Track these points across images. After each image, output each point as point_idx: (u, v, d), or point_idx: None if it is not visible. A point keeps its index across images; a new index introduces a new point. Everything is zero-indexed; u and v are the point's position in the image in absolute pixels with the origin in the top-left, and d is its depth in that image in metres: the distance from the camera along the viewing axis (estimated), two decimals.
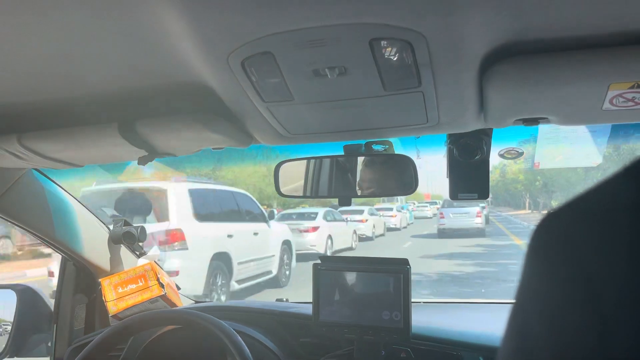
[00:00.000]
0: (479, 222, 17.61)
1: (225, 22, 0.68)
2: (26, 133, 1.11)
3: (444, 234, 17.71)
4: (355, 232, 15.14)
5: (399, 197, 28.94)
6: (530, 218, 26.96)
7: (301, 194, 1.39)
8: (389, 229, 20.81)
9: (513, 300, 0.32)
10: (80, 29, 0.74)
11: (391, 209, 23.22)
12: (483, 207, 19.91)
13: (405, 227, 23.70)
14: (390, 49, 0.75)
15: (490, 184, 1.26)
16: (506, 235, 18.45)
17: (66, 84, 0.94)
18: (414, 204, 34.85)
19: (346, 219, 14.83)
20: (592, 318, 0.26)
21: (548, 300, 0.28)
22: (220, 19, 0.67)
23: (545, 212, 0.32)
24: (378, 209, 21.85)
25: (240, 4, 0.64)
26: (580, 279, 0.27)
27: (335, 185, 1.34)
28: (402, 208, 26.63)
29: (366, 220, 17.37)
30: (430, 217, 30.74)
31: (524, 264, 0.31)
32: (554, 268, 0.28)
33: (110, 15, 0.69)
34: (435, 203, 34.47)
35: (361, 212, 17.50)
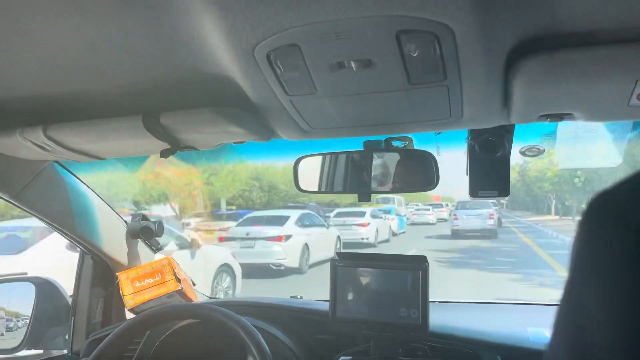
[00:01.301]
0: (491, 223, 18.13)
1: (252, 14, 0.68)
2: (52, 125, 1.12)
3: (457, 234, 18.09)
4: (224, 267, 7.45)
5: (395, 198, 23.40)
6: (564, 228, 18.85)
7: (317, 189, 1.39)
8: (352, 245, 13.76)
9: (562, 297, 0.31)
10: (108, 22, 0.75)
11: (362, 214, 15.60)
12: (496, 210, 20.10)
13: (386, 241, 16.47)
14: (416, 41, 0.75)
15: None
16: (550, 268, 10.67)
17: (92, 76, 0.95)
18: (417, 205, 28.09)
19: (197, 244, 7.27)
20: None
21: (610, 295, 0.27)
22: (248, 11, 0.68)
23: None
24: (340, 214, 15.92)
25: None
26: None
27: (354, 181, 1.34)
28: (389, 212, 18.97)
29: (284, 238, 10.48)
30: (433, 224, 24.57)
31: (574, 255, 0.30)
32: (612, 251, 0.27)
33: (137, 7, 0.70)
34: (440, 206, 28.92)
35: (282, 221, 11.12)
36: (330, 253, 11.63)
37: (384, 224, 17.12)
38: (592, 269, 0.29)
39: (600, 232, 0.29)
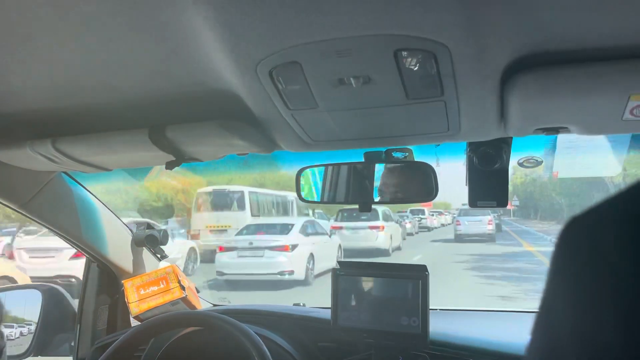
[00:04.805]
0: (490, 228, 19.62)
1: (255, 33, 0.71)
2: (60, 137, 1.15)
3: (460, 238, 19.41)
4: None
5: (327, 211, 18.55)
6: None
7: (319, 200, 1.42)
8: None
9: (538, 306, 0.33)
10: (117, 41, 0.77)
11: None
12: (495, 216, 21.30)
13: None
14: (414, 59, 0.77)
15: (520, 184, 1.26)
16: None
17: (101, 91, 0.98)
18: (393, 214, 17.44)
19: None
20: (618, 316, 0.26)
21: (575, 303, 0.29)
22: (250, 30, 0.70)
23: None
24: None
25: (271, 15, 0.67)
26: (606, 280, 0.27)
27: (355, 192, 1.36)
28: None
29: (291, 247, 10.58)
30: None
31: (550, 268, 0.32)
32: (581, 271, 0.29)
33: (145, 25, 0.73)
34: (406, 215, 22.39)
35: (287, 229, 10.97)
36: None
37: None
38: (562, 290, 0.30)
39: (572, 258, 0.30)
